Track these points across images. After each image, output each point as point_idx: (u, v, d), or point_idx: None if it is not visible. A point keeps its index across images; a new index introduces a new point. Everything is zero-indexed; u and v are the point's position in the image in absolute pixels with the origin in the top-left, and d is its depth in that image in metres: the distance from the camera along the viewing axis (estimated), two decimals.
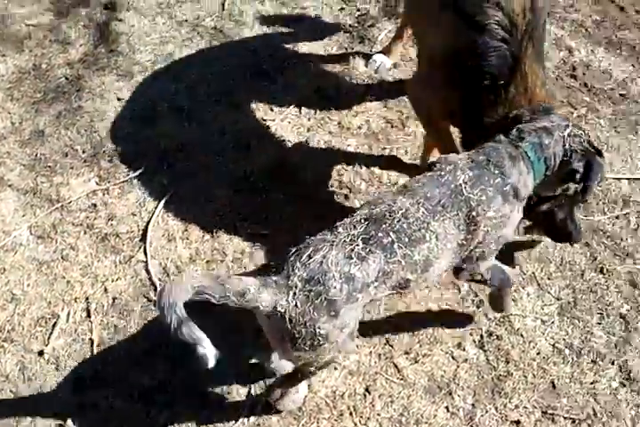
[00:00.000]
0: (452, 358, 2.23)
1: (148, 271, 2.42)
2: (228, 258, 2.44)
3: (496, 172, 1.79)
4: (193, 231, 2.52)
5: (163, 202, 2.58)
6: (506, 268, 2.08)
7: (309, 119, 2.84)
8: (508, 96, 1.98)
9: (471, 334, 2.27)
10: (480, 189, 1.75)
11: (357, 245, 1.66)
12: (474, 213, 1.75)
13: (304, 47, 3.09)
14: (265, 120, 2.82)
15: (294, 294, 1.62)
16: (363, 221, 1.71)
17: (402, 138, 2.77)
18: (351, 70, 3.00)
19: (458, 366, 2.21)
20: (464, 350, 2.24)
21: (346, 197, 2.59)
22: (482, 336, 2.27)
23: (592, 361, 2.24)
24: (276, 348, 1.81)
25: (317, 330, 1.63)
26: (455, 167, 1.79)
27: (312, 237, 1.72)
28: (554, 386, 2.19)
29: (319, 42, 3.10)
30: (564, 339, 2.27)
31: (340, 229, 1.71)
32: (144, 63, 3.03)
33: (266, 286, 1.63)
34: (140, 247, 2.49)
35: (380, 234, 1.68)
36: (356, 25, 3.17)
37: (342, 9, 3.23)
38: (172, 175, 2.67)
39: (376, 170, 2.68)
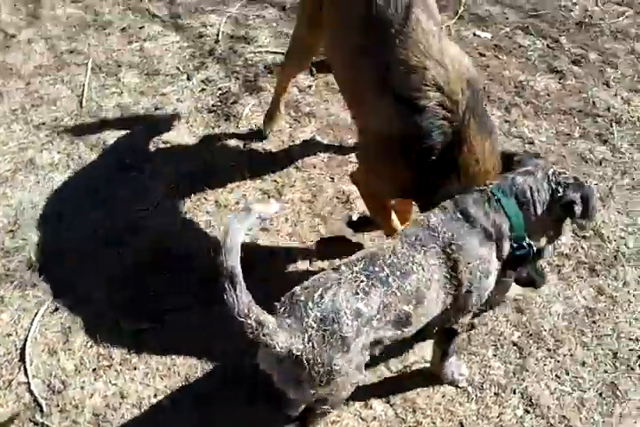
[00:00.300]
0: (361, 418, 2.17)
1: (31, 392, 2.24)
2: (116, 361, 2.30)
3: (460, 217, 1.86)
4: (75, 340, 2.36)
5: (39, 316, 2.42)
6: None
7: (184, 203, 2.79)
8: (460, 169, 2.00)
9: (377, 391, 2.20)
10: (451, 231, 1.85)
11: (362, 281, 1.74)
12: (449, 250, 1.84)
13: (169, 133, 3.08)
14: (137, 211, 2.75)
15: (310, 335, 1.65)
16: (360, 259, 1.81)
17: None
18: (220, 148, 3.02)
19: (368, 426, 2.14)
20: (371, 408, 2.18)
21: None
22: (387, 391, 2.21)
23: (495, 394, 2.24)
24: (289, 388, 1.78)
25: (333, 367, 1.69)
26: (428, 215, 1.91)
27: (315, 277, 1.78)
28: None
29: (184, 125, 3.12)
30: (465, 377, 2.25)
31: (343, 268, 1.79)
32: (4, 173, 2.92)
33: (282, 327, 1.65)
34: (19, 368, 2.30)
35: (377, 269, 1.78)
36: (219, 104, 3.23)
37: (203, 90, 3.30)
38: (46, 286, 2.53)
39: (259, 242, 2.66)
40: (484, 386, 2.25)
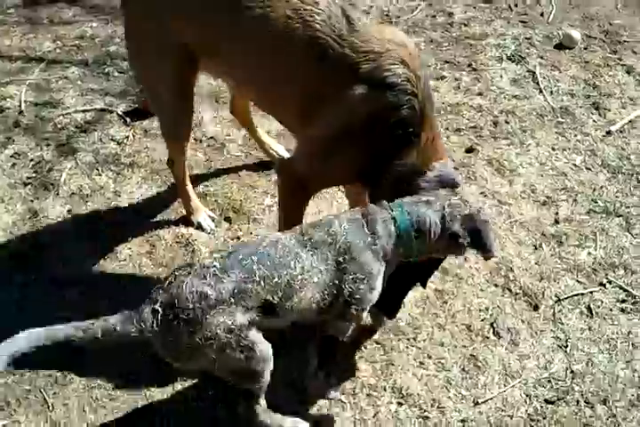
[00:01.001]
0: None
1: None
2: None
3: (367, 231, 1.90)
4: None
5: None
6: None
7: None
8: (420, 147, 2.10)
9: None
10: (351, 242, 1.89)
11: (214, 267, 1.82)
12: (341, 259, 1.87)
13: None
14: None
15: (157, 318, 1.80)
16: (226, 251, 1.89)
17: None
18: (43, 220, 2.86)
19: None
20: None
21: None
22: None
23: (367, 395, 2.26)
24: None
25: (182, 346, 1.80)
26: (335, 218, 1.96)
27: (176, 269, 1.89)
28: None
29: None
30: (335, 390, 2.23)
31: (205, 261, 1.86)
32: None
33: (130, 318, 1.81)
34: None
35: (240, 257, 1.84)
36: (34, 175, 3.08)
37: (14, 165, 3.13)
38: None
39: None
40: (356, 390, 2.26)
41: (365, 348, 2.38)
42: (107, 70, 3.69)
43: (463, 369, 2.31)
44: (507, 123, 3.34)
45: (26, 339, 1.77)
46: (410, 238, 1.90)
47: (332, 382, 2.23)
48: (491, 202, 2.93)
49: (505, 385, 2.26)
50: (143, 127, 3.34)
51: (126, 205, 2.96)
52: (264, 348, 1.91)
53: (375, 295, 1.96)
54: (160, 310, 1.80)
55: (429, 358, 2.35)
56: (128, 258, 2.70)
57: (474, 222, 1.93)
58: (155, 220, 2.90)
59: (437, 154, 2.15)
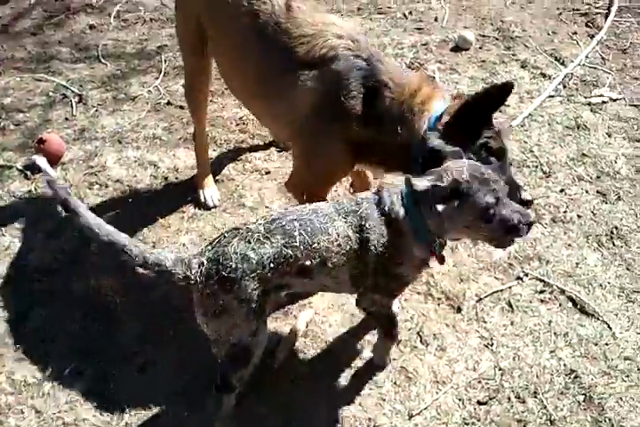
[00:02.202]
0: None
1: None
2: None
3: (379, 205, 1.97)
4: None
5: None
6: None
7: None
8: (390, 87, 2.12)
9: None
10: (369, 211, 1.97)
11: (258, 233, 1.92)
12: (363, 226, 1.95)
13: None
14: None
15: (202, 270, 1.92)
16: (272, 216, 1.98)
17: None
18: None
19: None
20: None
21: None
22: None
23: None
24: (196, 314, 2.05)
25: (217, 299, 1.91)
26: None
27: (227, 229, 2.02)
28: None
29: None
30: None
31: (252, 226, 1.96)
32: None
33: (181, 262, 1.94)
34: None
35: (283, 222, 1.93)
36: None
37: None
38: None
39: None
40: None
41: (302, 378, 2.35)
42: (2, 124, 3.58)
43: (395, 383, 2.31)
44: None
45: (92, 218, 1.98)
46: (414, 210, 1.92)
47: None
48: None
49: (437, 393, 2.26)
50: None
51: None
52: (265, 335, 2.04)
53: (403, 269, 2.01)
54: (206, 263, 1.92)
55: (362, 377, 2.33)
56: None
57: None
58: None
59: (413, 85, 2.14)
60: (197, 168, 3.14)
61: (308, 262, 1.92)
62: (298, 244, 1.90)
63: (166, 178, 3.23)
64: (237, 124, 3.52)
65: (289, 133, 2.37)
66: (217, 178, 3.19)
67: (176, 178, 3.23)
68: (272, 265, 1.90)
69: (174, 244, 2.87)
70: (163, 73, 3.83)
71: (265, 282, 1.92)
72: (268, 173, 3.20)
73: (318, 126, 2.22)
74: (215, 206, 3.05)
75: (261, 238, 1.91)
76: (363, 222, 1.95)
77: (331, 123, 2.19)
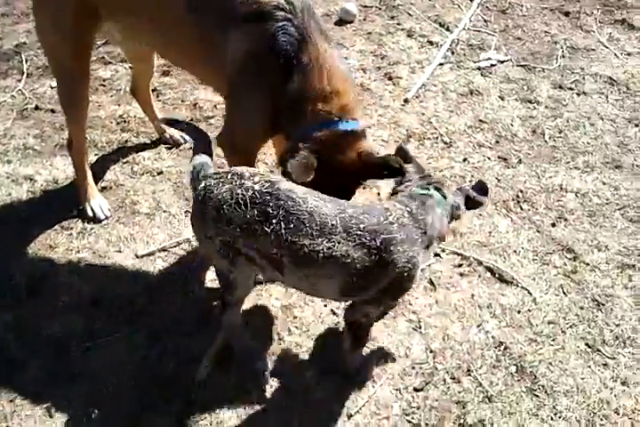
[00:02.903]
0: None
1: None
2: None
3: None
4: None
5: None
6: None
7: None
8: (306, 71, 2.04)
9: None
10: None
11: (243, 195, 1.80)
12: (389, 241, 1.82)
13: None
14: None
15: (197, 192, 1.92)
16: (272, 184, 1.82)
17: None
18: None
19: None
20: None
21: None
22: None
23: None
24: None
25: (196, 225, 1.97)
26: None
27: (244, 168, 1.93)
28: None
29: None
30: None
31: (247, 183, 1.83)
32: None
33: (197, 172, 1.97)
34: None
35: (271, 203, 1.78)
36: None
37: None
38: None
39: None
40: None
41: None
42: None
43: (318, 383, 2.18)
44: None
45: None
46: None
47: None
48: None
49: (373, 387, 2.18)
50: None
51: None
52: (244, 278, 1.99)
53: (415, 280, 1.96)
54: (200, 188, 1.89)
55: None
56: None
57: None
58: None
59: (323, 78, 2.04)
60: (76, 179, 2.84)
61: (275, 255, 1.80)
62: (269, 231, 1.77)
63: (45, 192, 2.90)
64: (118, 123, 3.24)
65: (224, 89, 2.31)
66: (104, 185, 2.92)
67: (57, 191, 2.91)
68: (238, 229, 1.82)
69: (66, 265, 2.60)
70: (25, 74, 3.46)
71: (232, 239, 1.84)
72: (160, 173, 2.96)
73: (246, 81, 2.17)
74: (107, 217, 2.77)
75: (241, 202, 1.80)
76: (386, 238, 1.78)
77: (258, 78, 2.14)
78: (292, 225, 1.76)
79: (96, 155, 3.07)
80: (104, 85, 3.47)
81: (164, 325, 2.34)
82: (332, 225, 1.78)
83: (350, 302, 2.02)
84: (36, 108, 3.30)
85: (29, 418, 2.18)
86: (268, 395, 2.16)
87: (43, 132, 3.19)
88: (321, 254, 1.76)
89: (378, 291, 1.88)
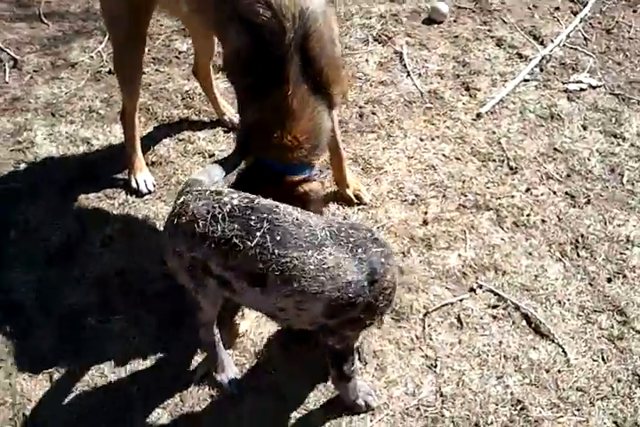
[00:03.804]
0: None
1: None
2: None
3: None
4: None
5: None
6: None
7: None
8: (268, 102, 1.94)
9: None
10: None
11: (221, 210, 1.73)
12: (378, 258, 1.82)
13: None
14: None
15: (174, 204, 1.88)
16: (253, 199, 1.77)
17: None
18: None
19: None
20: None
21: None
22: None
23: None
24: None
25: (164, 241, 1.92)
26: None
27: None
28: None
29: None
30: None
31: (225, 197, 1.77)
32: None
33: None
34: None
35: (253, 216, 1.72)
36: None
37: None
38: None
39: None
40: None
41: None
42: None
43: (323, 407, 2.08)
44: (373, 114, 3.07)
45: None
46: None
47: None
48: (357, 207, 2.70)
49: (371, 421, 2.05)
50: None
51: None
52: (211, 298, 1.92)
53: None
54: (176, 201, 1.84)
55: (285, 399, 2.11)
56: None
57: None
58: None
59: (291, 119, 1.94)
60: (127, 150, 2.82)
61: (261, 270, 1.70)
62: (252, 244, 1.69)
63: (98, 157, 2.93)
64: (183, 99, 3.19)
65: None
66: (154, 160, 2.90)
67: (109, 158, 2.92)
68: (213, 246, 1.72)
69: (100, 235, 2.61)
70: (107, 37, 3.43)
71: (204, 257, 1.76)
72: (212, 155, 2.90)
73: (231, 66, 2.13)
74: (150, 192, 2.76)
75: (219, 216, 1.72)
76: (377, 251, 1.76)
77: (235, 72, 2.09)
78: (278, 237, 1.68)
79: (155, 128, 3.04)
80: (178, 58, 3.42)
81: (182, 309, 2.30)
82: (322, 237, 1.71)
83: (326, 329, 1.87)
84: (110, 71, 3.29)
85: (31, 379, 2.23)
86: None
87: (110, 97, 3.20)
88: (312, 266, 1.68)
89: (363, 308, 1.77)
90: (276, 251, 1.69)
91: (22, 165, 2.92)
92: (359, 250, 1.74)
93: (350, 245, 1.74)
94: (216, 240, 1.72)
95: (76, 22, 3.61)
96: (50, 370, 2.25)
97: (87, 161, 2.94)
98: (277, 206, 1.76)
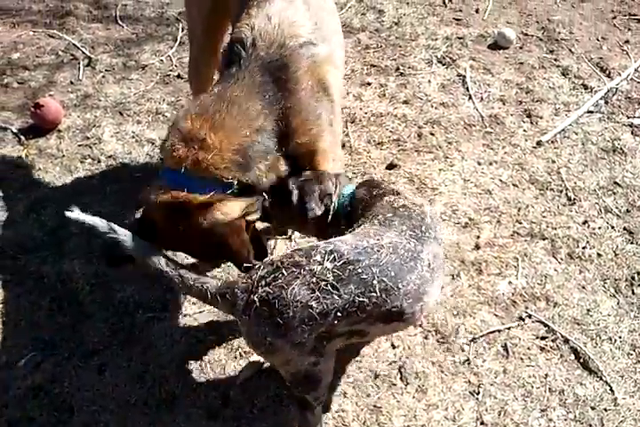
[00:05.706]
0: None
1: None
2: None
3: None
4: None
5: None
6: None
7: None
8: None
9: None
10: None
11: (325, 281, 1.64)
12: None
13: None
14: None
15: (253, 309, 1.68)
16: (342, 257, 1.67)
17: None
18: None
19: None
20: None
21: None
22: None
23: None
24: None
25: (267, 340, 1.69)
26: None
27: (286, 257, 1.72)
28: None
29: None
30: None
31: (316, 268, 1.66)
32: None
33: (226, 290, 1.75)
34: None
35: (359, 270, 1.65)
36: None
37: None
38: None
39: None
40: None
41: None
42: (5, 81, 3.41)
43: (364, 424, 2.10)
44: (432, 135, 3.08)
45: (128, 236, 1.86)
46: None
47: None
48: None
49: None
50: (38, 146, 3.08)
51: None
52: (331, 362, 1.85)
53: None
54: (257, 303, 1.66)
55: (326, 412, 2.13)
56: None
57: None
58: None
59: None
60: None
61: (395, 307, 1.68)
62: (378, 293, 1.65)
63: (162, 159, 3.03)
64: None
65: None
66: None
67: None
68: (339, 315, 1.65)
69: None
70: (178, 42, 3.57)
71: (329, 329, 1.69)
72: None
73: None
74: None
75: (329, 288, 1.63)
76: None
77: None
78: (393, 273, 1.66)
79: None
80: None
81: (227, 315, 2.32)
82: (419, 254, 1.72)
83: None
84: (178, 76, 3.40)
85: (80, 369, 2.29)
86: None
87: (177, 100, 3.29)
88: (430, 282, 1.73)
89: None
90: (399, 285, 1.67)
91: (88, 161, 3.05)
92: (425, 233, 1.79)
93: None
94: (339, 309, 1.65)
95: (149, 26, 3.74)
96: (100, 361, 2.31)
97: (151, 161, 3.01)
98: (361, 246, 1.69)
